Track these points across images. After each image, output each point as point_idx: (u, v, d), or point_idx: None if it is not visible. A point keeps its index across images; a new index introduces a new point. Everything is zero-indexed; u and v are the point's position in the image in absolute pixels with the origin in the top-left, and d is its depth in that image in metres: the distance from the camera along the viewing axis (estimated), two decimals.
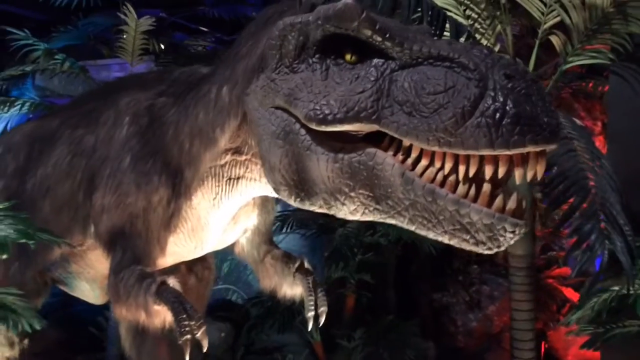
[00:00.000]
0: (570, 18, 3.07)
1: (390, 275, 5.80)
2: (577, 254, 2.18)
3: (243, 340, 5.58)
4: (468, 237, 1.57)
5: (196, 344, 5.95)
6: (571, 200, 2.27)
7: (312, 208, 1.98)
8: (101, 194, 2.67)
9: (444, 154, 1.58)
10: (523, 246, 3.47)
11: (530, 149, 1.46)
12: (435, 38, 1.84)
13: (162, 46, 7.38)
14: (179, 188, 2.56)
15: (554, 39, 3.23)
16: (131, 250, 2.57)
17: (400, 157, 1.67)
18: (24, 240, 2.29)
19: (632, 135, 3.33)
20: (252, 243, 3.10)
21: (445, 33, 2.67)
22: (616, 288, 2.53)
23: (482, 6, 3.17)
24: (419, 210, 1.63)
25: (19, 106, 4.65)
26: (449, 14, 3.22)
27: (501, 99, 1.43)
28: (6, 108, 4.66)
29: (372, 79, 1.66)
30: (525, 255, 3.51)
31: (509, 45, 3.44)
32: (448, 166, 1.58)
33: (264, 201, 2.98)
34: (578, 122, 5.11)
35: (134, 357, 3.66)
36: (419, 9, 2.40)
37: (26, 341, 3.71)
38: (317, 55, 1.82)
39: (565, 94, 5.25)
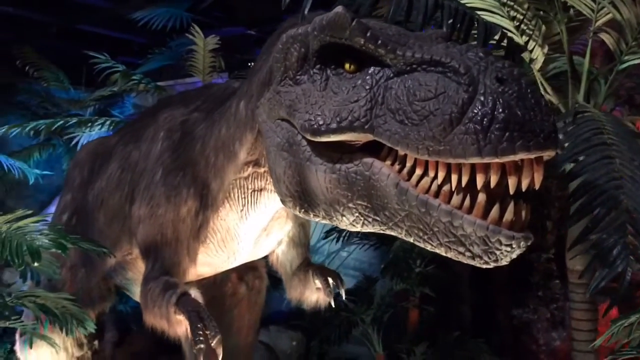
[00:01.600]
0: (620, 14, 2.82)
1: (465, 289, 5.59)
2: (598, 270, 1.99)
3: (315, 349, 5.61)
4: (464, 249, 1.51)
5: (270, 350, 6.04)
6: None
7: (316, 219, 1.99)
8: (137, 206, 2.83)
9: (437, 163, 1.52)
10: (582, 260, 3.17)
11: (522, 156, 1.38)
12: (452, 42, 1.76)
13: (251, 63, 7.67)
14: (207, 200, 2.65)
15: (606, 37, 2.98)
16: (161, 259, 2.69)
17: (397, 166, 1.63)
18: (56, 249, 2.49)
19: None
20: (286, 255, 3.16)
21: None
22: None
23: (526, 6, 3.00)
24: (414, 221, 1.58)
25: (99, 125, 5.02)
26: (492, 17, 3.09)
27: (490, 104, 1.36)
28: (87, 128, 5.05)
29: (367, 87, 1.64)
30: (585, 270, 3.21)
31: (565, 44, 3.22)
32: (441, 175, 1.53)
33: None
34: None
35: None
36: (438, 14, 2.31)
37: (96, 342, 3.98)
38: (317, 66, 1.82)
39: None
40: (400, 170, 1.62)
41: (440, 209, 1.50)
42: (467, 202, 1.48)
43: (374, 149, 1.70)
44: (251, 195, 2.60)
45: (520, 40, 3.09)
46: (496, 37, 2.62)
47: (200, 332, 2.30)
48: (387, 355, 4.92)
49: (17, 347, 3.78)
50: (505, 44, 2.56)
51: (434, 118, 1.45)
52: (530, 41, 3.09)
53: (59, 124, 5.01)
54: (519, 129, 1.34)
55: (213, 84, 3.72)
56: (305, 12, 2.11)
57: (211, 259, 2.88)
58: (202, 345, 2.28)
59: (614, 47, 2.99)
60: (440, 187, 1.53)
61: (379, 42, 1.63)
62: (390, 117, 1.56)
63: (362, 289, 4.87)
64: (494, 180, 1.43)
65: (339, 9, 1.71)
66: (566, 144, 2.30)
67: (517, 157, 1.37)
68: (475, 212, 1.47)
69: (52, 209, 4.29)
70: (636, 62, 2.94)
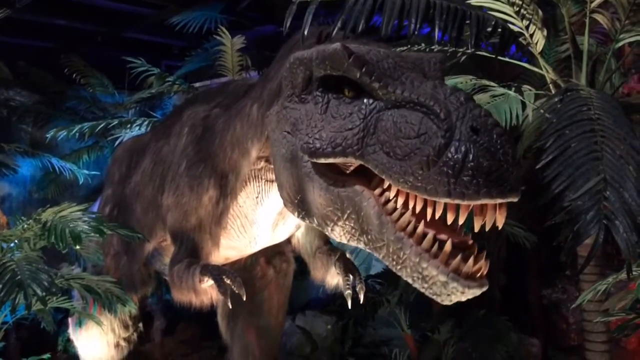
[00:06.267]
0: None
1: (493, 270, 5.66)
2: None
3: (351, 333, 5.81)
4: (426, 286, 1.69)
5: (307, 334, 6.27)
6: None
7: (312, 225, 2.19)
8: (166, 195, 3.10)
9: (416, 195, 1.68)
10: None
11: (486, 202, 1.56)
12: (441, 80, 1.92)
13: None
14: (226, 189, 2.87)
15: (600, 18, 3.08)
16: (187, 243, 2.94)
17: (383, 198, 1.81)
18: (96, 235, 2.79)
19: None
20: (305, 238, 3.35)
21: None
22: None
23: None
24: (390, 252, 1.77)
25: (138, 125, 5.35)
26: (493, 3, 3.22)
27: (463, 152, 1.52)
28: (128, 128, 5.39)
29: (361, 116, 1.80)
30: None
31: (567, 25, 3.31)
32: (419, 207, 1.69)
33: None
34: None
35: (228, 340, 4.10)
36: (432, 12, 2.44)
37: (140, 324, 4.31)
38: (320, 89, 1.99)
39: None
40: (386, 202, 1.80)
41: (412, 250, 1.69)
42: (435, 247, 1.67)
43: (366, 174, 1.87)
44: (265, 184, 2.82)
45: (521, 24, 3.21)
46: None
47: (223, 279, 2.60)
48: (415, 334, 5.08)
49: (70, 329, 4.15)
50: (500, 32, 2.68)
51: (414, 156, 1.61)
52: (531, 25, 3.21)
53: (101, 126, 5.38)
54: (484, 178, 1.51)
55: (232, 81, 3.97)
56: (305, 32, 2.23)
57: (234, 243, 3.12)
58: (227, 288, 2.58)
59: (608, 27, 3.09)
60: (416, 227, 1.71)
61: (373, 77, 1.78)
62: (379, 147, 1.73)
63: (389, 272, 5.03)
64: (461, 218, 1.62)
65: (337, 45, 1.86)
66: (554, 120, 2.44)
67: (481, 202, 1.55)
68: (440, 258, 1.66)
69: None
70: (630, 40, 3.02)
